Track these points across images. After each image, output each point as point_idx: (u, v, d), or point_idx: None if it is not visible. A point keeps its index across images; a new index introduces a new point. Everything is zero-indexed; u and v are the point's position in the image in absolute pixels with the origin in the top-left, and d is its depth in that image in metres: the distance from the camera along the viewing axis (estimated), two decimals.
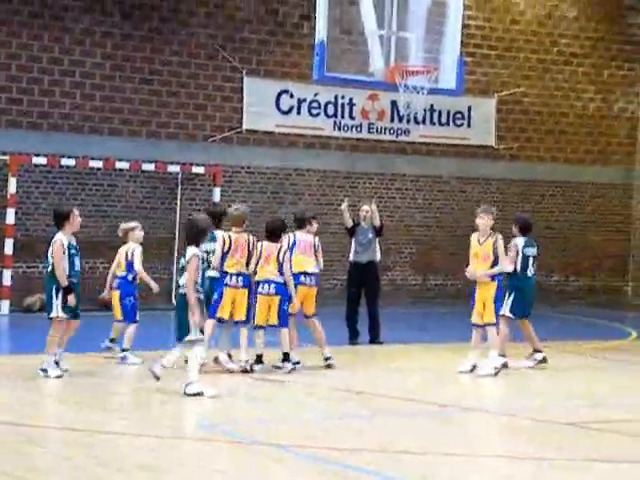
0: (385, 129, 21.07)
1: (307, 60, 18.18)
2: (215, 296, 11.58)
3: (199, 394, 9.95)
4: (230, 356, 11.66)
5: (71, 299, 11.03)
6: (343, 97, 20.59)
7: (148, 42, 19.10)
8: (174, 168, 18.90)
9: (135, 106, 19.02)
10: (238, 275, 11.59)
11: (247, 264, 11.66)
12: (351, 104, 20.71)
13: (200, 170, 19.08)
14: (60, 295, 11.07)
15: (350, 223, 14.98)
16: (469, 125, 21.86)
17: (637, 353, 15.30)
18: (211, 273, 11.54)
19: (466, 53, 19.86)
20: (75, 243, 11.48)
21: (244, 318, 11.62)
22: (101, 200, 18.71)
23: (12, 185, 17.52)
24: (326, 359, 12.08)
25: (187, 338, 10.03)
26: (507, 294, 12.50)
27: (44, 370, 10.94)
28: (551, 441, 8.87)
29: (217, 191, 19.11)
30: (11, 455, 7.69)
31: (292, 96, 20.23)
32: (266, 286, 11.62)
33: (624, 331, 17.92)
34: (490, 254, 12.22)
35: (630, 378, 12.71)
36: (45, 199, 18.33)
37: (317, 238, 12.46)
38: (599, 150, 23.43)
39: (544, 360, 12.76)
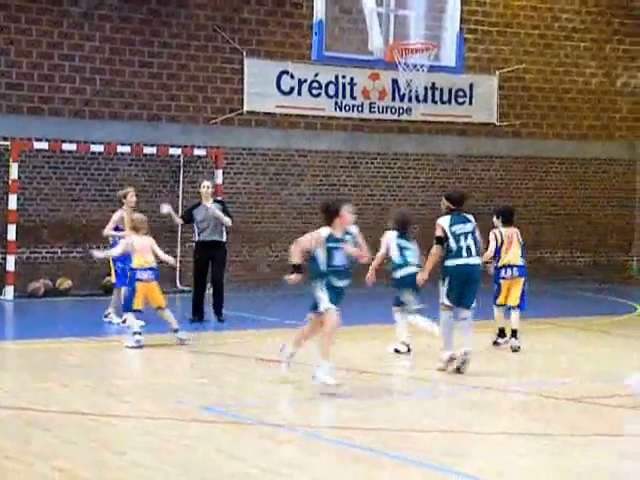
0: (386, 108, 21.00)
1: (307, 40, 18.09)
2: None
3: None
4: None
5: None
6: (344, 77, 20.52)
7: (147, 25, 19.04)
8: (175, 151, 18.86)
9: (135, 89, 18.98)
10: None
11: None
12: (352, 84, 20.65)
13: (202, 152, 19.05)
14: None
15: (180, 221, 15.27)
16: (471, 103, 21.78)
17: None
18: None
19: (467, 30, 19.79)
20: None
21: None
22: (103, 184, 18.69)
23: (14, 171, 17.50)
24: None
25: None
26: None
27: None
28: (558, 417, 8.87)
29: (219, 173, 19.09)
30: (16, 439, 7.71)
31: (293, 77, 20.16)
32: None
33: (629, 306, 17.90)
34: None
35: (636, 353, 12.68)
36: (47, 184, 18.32)
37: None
38: (602, 125, 23.34)
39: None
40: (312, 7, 14.10)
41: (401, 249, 12.00)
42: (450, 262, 10.89)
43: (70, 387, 9.86)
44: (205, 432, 8.09)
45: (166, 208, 14.61)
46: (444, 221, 11.15)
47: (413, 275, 11.72)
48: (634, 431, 8.38)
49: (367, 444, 7.72)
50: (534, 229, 21.93)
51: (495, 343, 12.69)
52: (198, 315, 14.53)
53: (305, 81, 20.29)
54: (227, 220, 14.49)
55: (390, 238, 12.08)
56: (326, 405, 9.34)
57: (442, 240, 10.98)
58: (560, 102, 22.82)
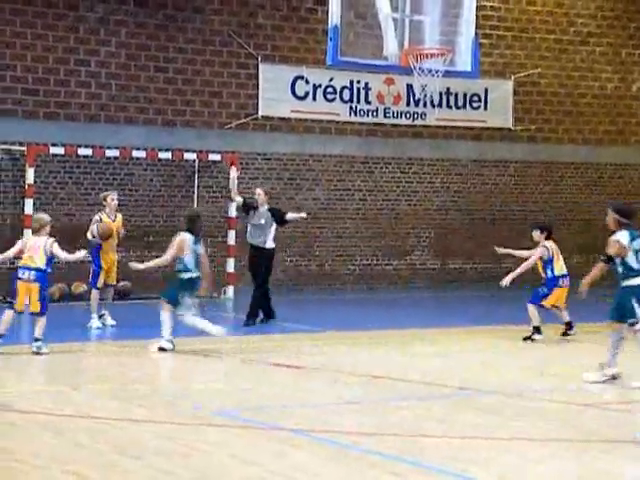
0: (401, 113, 20.99)
1: (322, 45, 18.09)
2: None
3: None
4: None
5: None
6: (359, 82, 20.53)
7: (162, 30, 19.09)
8: (191, 156, 18.90)
9: (151, 94, 19.03)
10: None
11: None
12: (367, 89, 20.65)
13: (217, 157, 19.07)
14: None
15: (239, 199, 15.43)
16: (486, 108, 21.75)
17: None
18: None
19: (482, 35, 19.77)
20: None
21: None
22: (118, 189, 18.57)
23: (30, 175, 17.54)
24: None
25: None
26: None
27: None
28: (572, 423, 8.84)
29: None
30: (28, 443, 7.73)
31: (307, 82, 20.18)
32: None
33: None
34: None
35: None
36: (63, 189, 18.39)
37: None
38: (618, 130, 23.27)
39: None
40: (327, 12, 14.12)
41: (195, 254, 12.37)
42: (634, 282, 10.34)
43: (84, 391, 9.88)
44: (220, 437, 8.09)
45: (234, 173, 15.47)
46: (623, 237, 10.42)
47: (197, 280, 12.29)
48: None
49: (382, 450, 7.71)
50: None
51: (529, 339, 13.62)
52: (252, 318, 14.73)
53: (320, 86, 20.31)
54: (297, 215, 15.34)
55: (187, 241, 12.36)
56: (340, 410, 9.33)
57: (611, 259, 10.57)
58: (575, 107, 22.76)
